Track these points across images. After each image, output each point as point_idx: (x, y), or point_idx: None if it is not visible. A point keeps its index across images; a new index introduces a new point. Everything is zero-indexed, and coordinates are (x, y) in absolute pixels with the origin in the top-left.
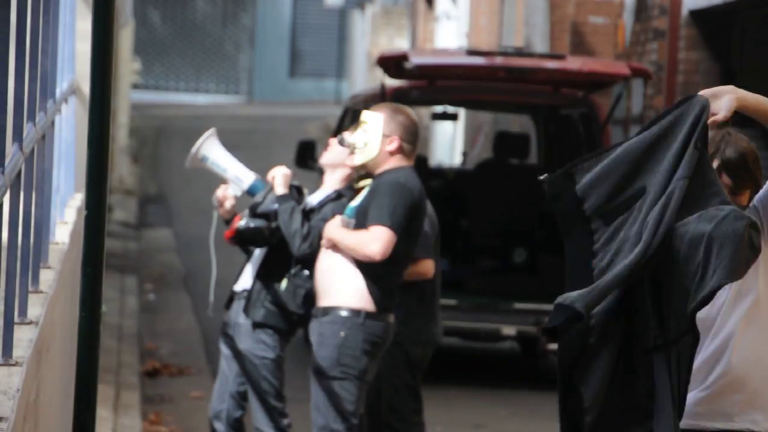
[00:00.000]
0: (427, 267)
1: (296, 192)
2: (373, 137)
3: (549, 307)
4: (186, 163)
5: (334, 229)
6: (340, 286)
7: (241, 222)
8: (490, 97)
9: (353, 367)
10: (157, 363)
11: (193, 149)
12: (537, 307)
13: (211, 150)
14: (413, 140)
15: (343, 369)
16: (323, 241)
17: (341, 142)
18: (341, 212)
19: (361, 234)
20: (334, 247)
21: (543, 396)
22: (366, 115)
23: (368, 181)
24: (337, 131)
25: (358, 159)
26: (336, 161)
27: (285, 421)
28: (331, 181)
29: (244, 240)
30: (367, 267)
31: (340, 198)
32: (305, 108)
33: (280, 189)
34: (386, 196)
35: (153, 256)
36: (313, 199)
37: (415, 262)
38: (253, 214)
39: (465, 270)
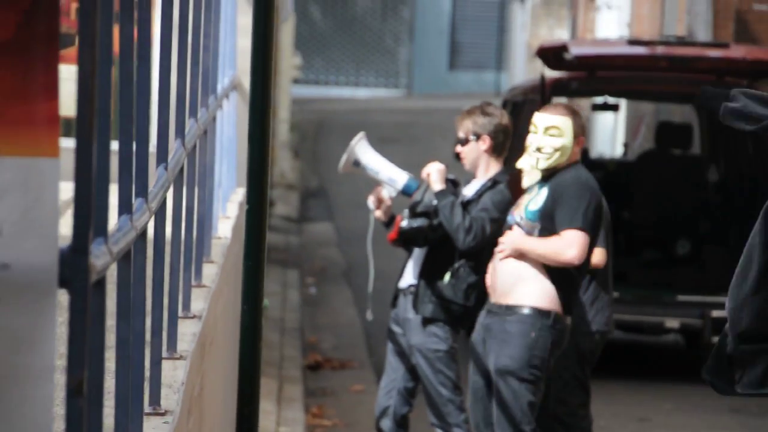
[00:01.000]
0: (601, 257)
1: (452, 185)
2: (567, 141)
3: (713, 299)
4: (339, 169)
5: (521, 239)
6: (528, 286)
7: (403, 223)
8: (651, 88)
9: (541, 369)
10: (319, 356)
11: (345, 155)
12: (701, 299)
13: (363, 154)
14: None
15: (532, 371)
16: (504, 250)
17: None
18: (501, 200)
19: (555, 241)
20: (520, 255)
21: (707, 390)
22: (549, 119)
23: (533, 181)
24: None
25: (547, 163)
26: (474, 157)
27: (463, 416)
28: (482, 170)
29: (408, 240)
30: (555, 269)
31: (495, 185)
32: (464, 100)
33: (437, 185)
34: (574, 198)
35: (314, 250)
36: (468, 191)
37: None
38: (414, 213)
39: (628, 262)
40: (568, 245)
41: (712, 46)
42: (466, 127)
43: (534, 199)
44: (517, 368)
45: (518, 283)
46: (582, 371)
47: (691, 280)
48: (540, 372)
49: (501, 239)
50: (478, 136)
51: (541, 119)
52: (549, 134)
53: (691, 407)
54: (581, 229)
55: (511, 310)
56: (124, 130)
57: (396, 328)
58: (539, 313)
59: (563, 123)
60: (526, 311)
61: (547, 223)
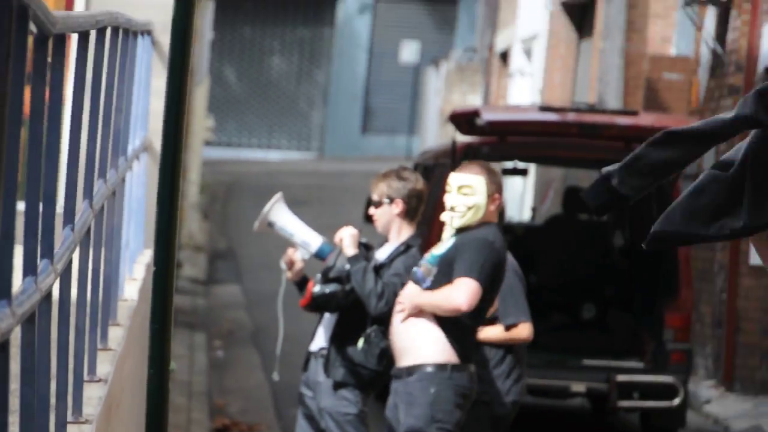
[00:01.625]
0: (528, 331)
1: (365, 250)
2: (480, 200)
3: (619, 363)
4: (254, 228)
5: (416, 295)
6: (422, 343)
7: (315, 288)
8: (561, 153)
9: (447, 421)
10: (227, 420)
11: (261, 215)
12: (607, 363)
13: (279, 215)
14: (500, 194)
15: (438, 425)
16: (402, 308)
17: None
18: (412, 265)
19: (446, 288)
20: (419, 312)
21: None
22: (462, 178)
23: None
24: None
25: (461, 221)
26: (387, 220)
27: None
28: (394, 234)
29: (321, 306)
30: (447, 320)
31: (408, 249)
32: (376, 163)
33: (350, 250)
34: (474, 251)
35: (222, 313)
36: (381, 255)
37: (514, 326)
38: (326, 278)
39: (535, 325)
40: (458, 291)
41: (621, 113)
42: (380, 190)
43: (440, 247)
44: (422, 426)
45: (413, 343)
46: None
47: (596, 344)
48: (447, 424)
49: (399, 298)
50: (391, 200)
51: (454, 178)
52: (462, 193)
53: None
54: (474, 278)
55: (410, 371)
56: (31, 190)
57: (306, 391)
58: (436, 368)
59: (476, 181)
60: (424, 369)
61: (446, 269)
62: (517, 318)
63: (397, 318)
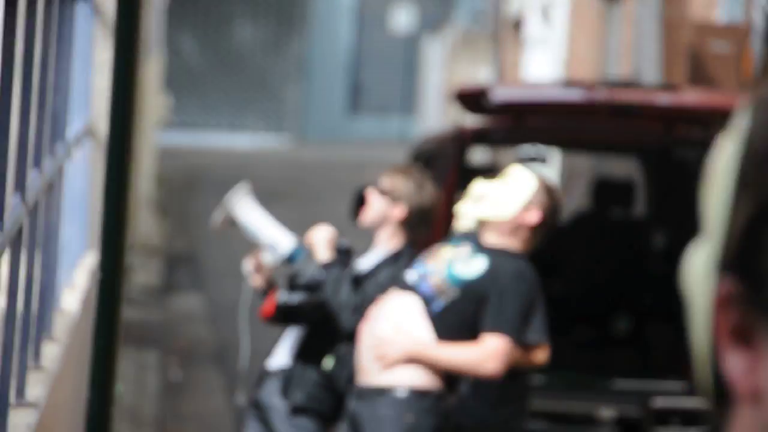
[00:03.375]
0: (546, 354)
1: (344, 255)
2: (515, 196)
3: (656, 385)
4: (211, 225)
5: (421, 346)
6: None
7: (280, 297)
8: (589, 138)
9: None
10: None
11: (221, 209)
12: (642, 386)
13: (242, 210)
14: (550, 225)
15: None
16: (388, 356)
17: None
18: (399, 276)
19: (471, 350)
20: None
21: None
22: (516, 170)
23: (449, 248)
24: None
25: (485, 212)
26: (379, 216)
27: None
28: (384, 238)
29: (285, 318)
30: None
31: (399, 260)
32: (366, 150)
33: (323, 255)
34: (510, 294)
35: (179, 327)
36: (365, 263)
37: (533, 349)
38: (293, 286)
39: (557, 341)
40: (490, 357)
41: (660, 89)
42: (392, 182)
43: (465, 261)
44: None
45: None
46: None
47: (630, 364)
48: None
49: (375, 335)
50: (396, 200)
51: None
52: (499, 180)
53: None
54: (506, 334)
55: (381, 392)
56: None
57: (257, 413)
58: (415, 394)
59: (524, 177)
60: (399, 393)
61: (470, 297)
62: (540, 338)
63: (368, 328)
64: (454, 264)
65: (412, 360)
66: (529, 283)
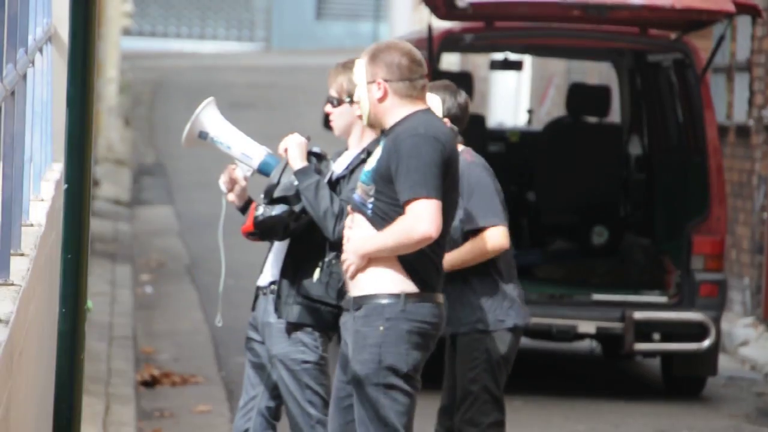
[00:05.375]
0: (500, 236)
1: (317, 160)
2: (361, 89)
3: (636, 298)
4: (182, 142)
5: (362, 242)
6: (372, 270)
7: (258, 211)
8: (561, 42)
9: (401, 365)
10: (156, 370)
11: (188, 125)
12: (622, 298)
13: (211, 123)
14: (409, 76)
15: (390, 373)
16: (349, 264)
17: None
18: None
19: (400, 222)
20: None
21: (628, 408)
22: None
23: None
24: None
25: (363, 118)
26: (347, 122)
27: None
28: (354, 139)
29: (266, 232)
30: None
31: (369, 157)
32: (335, 56)
33: (297, 162)
34: (410, 157)
35: (150, 241)
36: (339, 166)
37: (482, 232)
38: (271, 199)
39: (533, 254)
40: (417, 220)
41: None
42: (339, 84)
43: (371, 159)
44: (369, 373)
45: (362, 269)
46: (495, 382)
47: (609, 275)
48: (400, 369)
49: (345, 244)
50: (352, 99)
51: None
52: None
53: (609, 428)
54: (426, 196)
55: (358, 303)
56: None
57: (254, 335)
58: (388, 299)
59: (357, 68)
60: (372, 301)
61: (382, 184)
62: (485, 222)
63: (349, 241)
64: (366, 165)
65: (366, 257)
66: (425, 136)
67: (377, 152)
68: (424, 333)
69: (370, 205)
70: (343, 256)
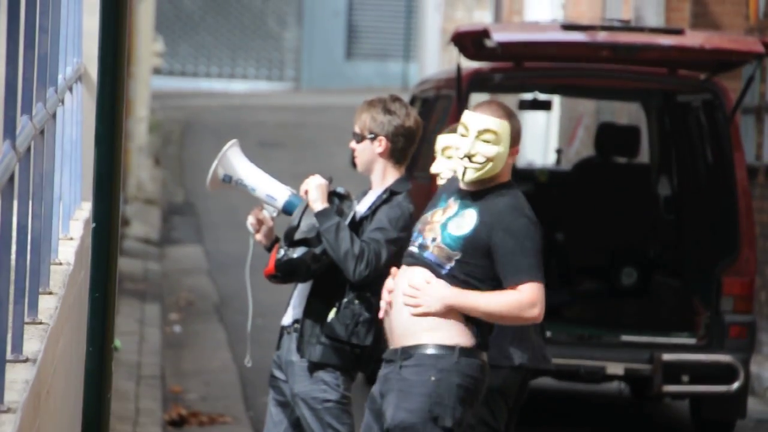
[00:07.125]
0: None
1: (339, 200)
2: (502, 151)
3: (665, 340)
4: (207, 186)
5: (452, 293)
6: (428, 320)
7: (279, 254)
8: (591, 82)
9: (449, 418)
10: (184, 410)
11: (211, 170)
12: (650, 339)
13: (234, 167)
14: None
15: (437, 424)
16: (420, 303)
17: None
18: (399, 217)
19: (514, 295)
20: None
21: None
22: (484, 121)
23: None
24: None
25: (476, 175)
26: (368, 158)
27: None
28: (377, 178)
29: (288, 274)
30: None
31: (392, 197)
32: (365, 96)
33: (318, 204)
34: (526, 238)
35: (179, 280)
36: (363, 206)
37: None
38: (291, 241)
39: (561, 294)
40: (530, 304)
41: (663, 32)
42: (363, 121)
43: (455, 221)
44: (416, 422)
45: (414, 319)
46: (491, 415)
47: (638, 317)
48: (447, 422)
49: (408, 282)
50: (374, 136)
51: (473, 119)
52: (483, 139)
53: None
54: (539, 281)
55: (407, 353)
56: None
57: (278, 374)
58: (442, 351)
59: (501, 127)
60: (424, 351)
61: (473, 253)
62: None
63: (398, 301)
64: (447, 226)
65: (451, 308)
66: (533, 220)
67: (466, 216)
68: (471, 389)
69: (448, 268)
70: (415, 300)
